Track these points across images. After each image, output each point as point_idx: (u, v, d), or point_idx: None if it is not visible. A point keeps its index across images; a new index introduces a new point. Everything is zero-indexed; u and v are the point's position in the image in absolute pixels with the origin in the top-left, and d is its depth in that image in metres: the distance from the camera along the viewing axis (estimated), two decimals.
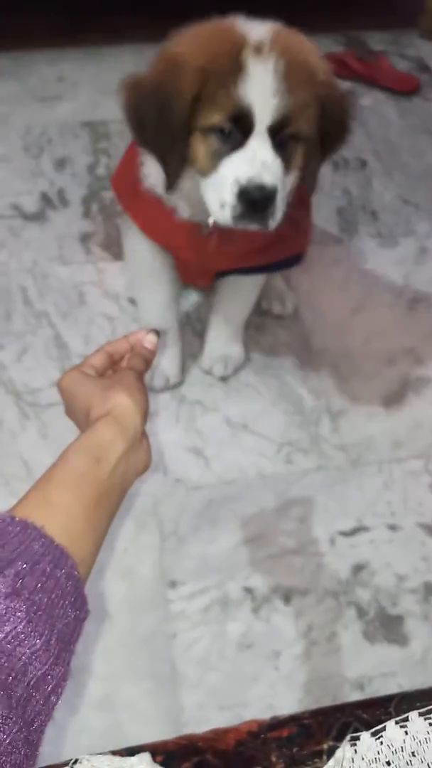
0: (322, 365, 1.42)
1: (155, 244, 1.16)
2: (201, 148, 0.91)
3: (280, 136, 0.88)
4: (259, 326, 1.47)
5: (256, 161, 0.87)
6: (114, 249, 1.59)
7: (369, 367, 1.43)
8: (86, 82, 2.02)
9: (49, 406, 1.32)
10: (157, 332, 0.79)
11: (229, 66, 0.85)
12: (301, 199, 1.12)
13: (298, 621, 1.12)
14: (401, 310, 1.53)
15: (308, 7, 2.32)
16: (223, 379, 1.39)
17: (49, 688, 0.50)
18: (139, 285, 1.31)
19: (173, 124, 0.90)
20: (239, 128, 0.88)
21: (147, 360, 0.77)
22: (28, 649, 0.50)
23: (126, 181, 1.12)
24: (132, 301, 1.48)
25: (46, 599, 0.53)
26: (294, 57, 0.86)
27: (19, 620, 0.50)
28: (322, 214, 1.69)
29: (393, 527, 1.22)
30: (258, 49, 0.85)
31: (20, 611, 0.51)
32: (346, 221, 1.70)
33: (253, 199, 0.88)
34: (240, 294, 1.30)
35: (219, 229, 1.01)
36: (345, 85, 2.07)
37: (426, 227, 1.70)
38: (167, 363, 1.34)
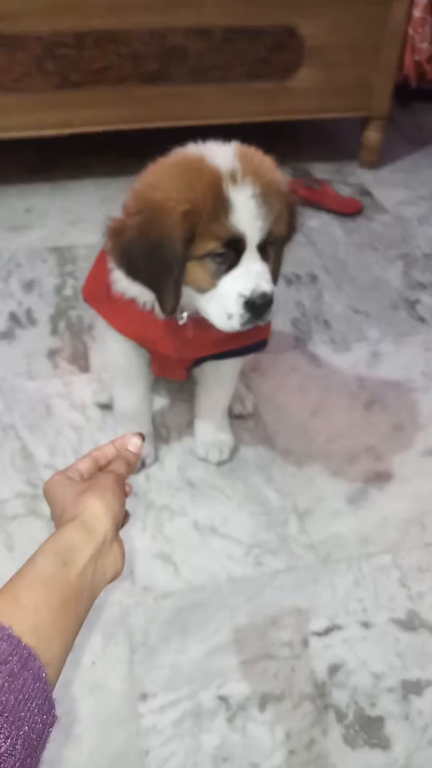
0: (286, 466, 1.46)
1: (131, 342, 1.23)
2: (198, 272, 1.02)
3: (263, 246, 1.02)
4: None
5: (252, 274, 1.00)
6: (81, 362, 1.66)
7: (332, 466, 1.47)
8: (53, 212, 2.18)
9: (15, 517, 1.32)
10: (142, 436, 0.83)
11: (214, 202, 0.96)
12: None
13: (274, 729, 1.07)
14: (359, 410, 1.60)
15: (257, 141, 2.58)
16: (220, 464, 1.44)
17: None
18: (115, 381, 1.37)
19: (167, 260, 0.99)
20: (233, 250, 1.00)
21: (130, 462, 0.80)
22: None
23: (97, 287, 1.20)
24: (103, 407, 1.52)
25: (12, 700, 0.52)
26: (263, 177, 0.99)
27: None
28: (279, 324, 1.80)
29: (366, 624, 1.21)
30: (234, 178, 0.96)
31: None
32: (301, 330, 1.81)
33: (257, 306, 1.00)
34: (220, 381, 1.37)
35: (193, 320, 1.11)
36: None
37: (376, 333, 1.81)
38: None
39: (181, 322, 1.12)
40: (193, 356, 1.25)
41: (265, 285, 1.00)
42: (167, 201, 0.97)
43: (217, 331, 1.13)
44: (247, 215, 0.97)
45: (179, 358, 1.25)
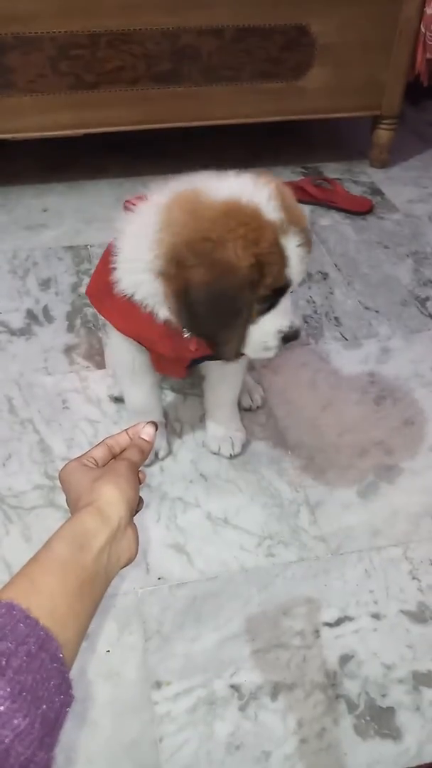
0: (297, 459, 1.47)
1: (132, 341, 1.25)
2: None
3: None
4: None
5: (288, 313, 1.07)
6: (96, 358, 1.68)
7: (343, 459, 1.48)
8: (69, 211, 2.21)
9: (33, 509, 1.34)
10: (155, 424, 0.85)
11: (275, 256, 0.99)
12: None
13: (286, 718, 1.09)
14: (369, 405, 1.61)
15: (269, 143, 2.61)
16: (232, 457, 1.46)
17: None
18: (122, 377, 1.40)
19: (237, 311, 1.02)
20: (277, 294, 1.04)
21: (143, 450, 0.82)
22: (11, 731, 0.50)
23: (99, 285, 1.22)
24: (116, 400, 1.55)
25: (30, 680, 0.53)
26: (302, 223, 1.02)
27: (2, 700, 0.50)
28: None
29: (377, 616, 1.22)
30: (284, 230, 0.99)
31: (4, 691, 0.51)
32: (312, 327, 1.82)
33: (291, 338, 1.09)
34: (225, 377, 1.40)
35: None
36: (305, 208, 2.28)
37: (386, 330, 1.83)
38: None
39: (186, 335, 1.14)
40: (190, 356, 1.26)
41: (297, 321, 1.09)
42: (236, 259, 0.96)
43: None
44: (297, 265, 1.02)
45: (176, 357, 1.27)
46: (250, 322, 1.05)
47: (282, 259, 0.99)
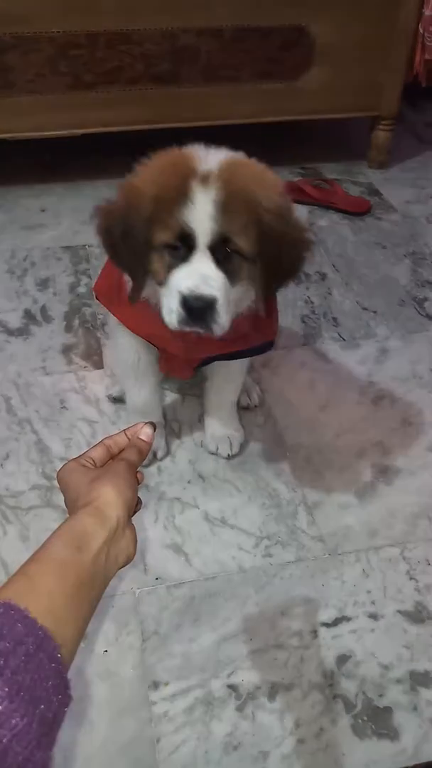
0: (295, 459, 1.48)
1: (140, 339, 1.26)
2: (157, 262, 1.04)
3: (221, 253, 1.00)
4: None
5: (196, 274, 0.99)
6: (94, 358, 1.68)
7: (341, 460, 1.48)
8: (67, 212, 2.21)
9: (30, 509, 1.34)
10: (153, 425, 0.85)
11: (177, 194, 0.97)
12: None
13: (284, 718, 1.09)
14: (367, 406, 1.61)
15: (268, 143, 2.60)
16: (230, 457, 1.46)
17: None
18: (126, 377, 1.40)
19: (136, 243, 1.02)
20: (186, 246, 1.00)
21: (142, 451, 0.82)
22: (9, 730, 0.49)
23: (110, 287, 1.23)
24: (115, 400, 1.55)
25: (28, 680, 0.53)
26: (236, 186, 0.98)
27: (0, 699, 0.50)
28: (288, 321, 1.82)
29: (374, 616, 1.22)
30: (204, 179, 0.97)
31: (2, 691, 0.50)
32: (310, 327, 1.82)
33: (193, 307, 0.99)
34: (228, 378, 1.40)
35: None
36: (303, 209, 2.28)
37: (384, 330, 1.83)
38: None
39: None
40: (200, 356, 1.27)
41: (206, 288, 0.99)
42: (142, 185, 1.01)
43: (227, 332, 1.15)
44: (200, 214, 0.97)
45: (187, 357, 1.27)
46: (149, 257, 1.03)
47: (185, 201, 0.96)
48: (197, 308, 0.99)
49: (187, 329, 1.03)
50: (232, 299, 1.03)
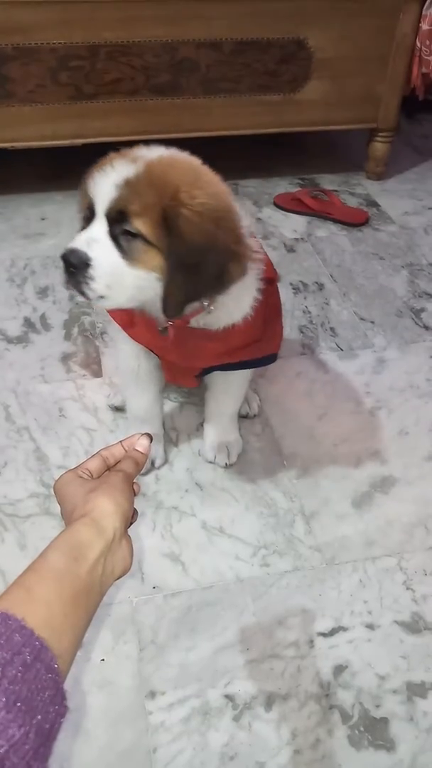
0: (293, 469, 1.48)
1: (141, 347, 1.26)
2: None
3: (119, 228, 0.99)
4: None
5: (83, 236, 1.00)
6: (93, 367, 1.69)
7: (338, 469, 1.49)
8: (66, 220, 2.22)
9: (28, 517, 1.34)
10: (150, 436, 0.86)
11: (97, 170, 1.00)
12: (275, 307, 1.28)
13: (280, 728, 1.09)
14: (364, 415, 1.62)
15: (266, 155, 2.63)
16: (228, 466, 1.46)
17: None
18: (127, 384, 1.41)
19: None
20: (90, 215, 1.02)
21: (138, 462, 0.82)
22: (6, 741, 0.49)
23: None
24: (116, 409, 1.56)
25: (25, 690, 0.53)
26: (153, 171, 0.98)
27: None
28: (286, 331, 1.82)
29: (371, 626, 1.22)
30: (126, 160, 0.99)
31: None
32: (308, 337, 1.83)
33: (66, 262, 0.99)
34: (229, 387, 1.40)
35: (174, 328, 1.13)
36: (301, 219, 2.30)
37: (382, 341, 1.84)
38: (152, 447, 1.39)
39: (160, 327, 1.15)
40: (199, 365, 1.28)
41: (81, 245, 0.99)
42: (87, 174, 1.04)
43: (219, 343, 1.14)
44: (105, 185, 0.98)
45: (186, 366, 1.27)
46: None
47: (100, 173, 1.00)
48: (70, 265, 0.99)
49: (71, 290, 1.03)
50: (128, 282, 1.01)
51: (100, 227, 1.00)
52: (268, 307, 1.22)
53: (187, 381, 1.38)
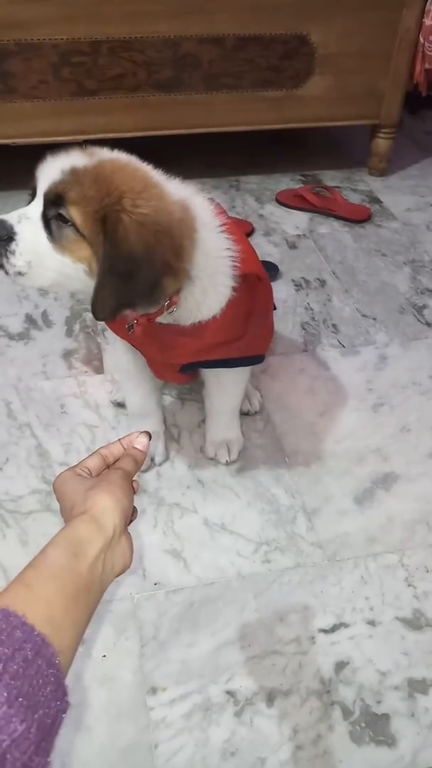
0: (294, 465, 1.48)
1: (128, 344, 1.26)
2: None
3: (52, 212, 0.99)
4: None
5: (17, 211, 1.02)
6: (94, 363, 1.69)
7: (339, 466, 1.49)
8: None
9: (30, 513, 1.35)
10: (149, 434, 0.86)
11: (47, 156, 1.02)
12: (263, 306, 1.26)
13: (282, 724, 1.09)
14: (366, 412, 1.62)
15: (268, 151, 2.62)
16: (228, 463, 1.46)
17: None
18: (123, 380, 1.43)
19: None
20: (33, 195, 1.03)
21: (137, 460, 0.82)
22: (8, 735, 0.50)
23: None
24: (118, 405, 1.56)
25: (27, 686, 0.53)
26: (102, 170, 0.97)
27: None
28: (288, 328, 1.83)
29: (372, 622, 1.22)
30: (70, 151, 1.01)
31: (0, 696, 0.51)
32: (310, 334, 1.83)
33: None
34: (224, 386, 1.39)
35: (141, 325, 1.12)
36: (303, 216, 2.30)
37: (384, 337, 1.83)
38: (152, 444, 1.39)
39: (128, 324, 1.14)
40: (176, 361, 1.25)
41: (9, 216, 1.01)
42: None
43: (192, 338, 1.14)
44: (51, 169, 0.99)
45: (164, 362, 1.27)
46: None
47: (42, 161, 1.02)
48: None
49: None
50: (50, 265, 1.01)
51: (35, 207, 1.01)
52: (255, 305, 1.19)
53: (174, 377, 1.37)
